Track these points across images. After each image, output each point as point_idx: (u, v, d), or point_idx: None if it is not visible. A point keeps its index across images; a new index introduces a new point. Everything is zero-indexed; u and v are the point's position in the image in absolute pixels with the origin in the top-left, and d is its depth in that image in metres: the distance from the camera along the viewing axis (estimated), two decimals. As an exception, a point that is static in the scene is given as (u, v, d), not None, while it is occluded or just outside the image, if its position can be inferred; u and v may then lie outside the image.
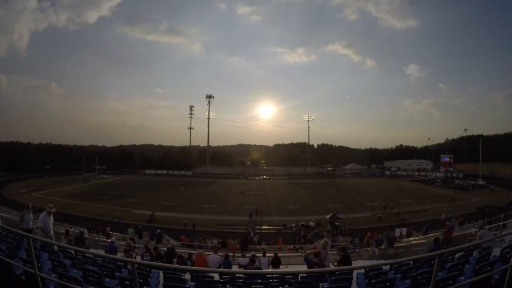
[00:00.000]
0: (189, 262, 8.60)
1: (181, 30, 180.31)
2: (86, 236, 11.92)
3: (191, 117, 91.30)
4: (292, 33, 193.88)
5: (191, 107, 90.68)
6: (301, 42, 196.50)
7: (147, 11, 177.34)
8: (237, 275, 4.95)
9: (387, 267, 5.34)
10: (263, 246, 16.68)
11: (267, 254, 10.45)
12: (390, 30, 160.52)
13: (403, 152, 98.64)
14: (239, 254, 11.52)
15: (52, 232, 7.01)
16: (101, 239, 15.22)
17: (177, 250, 11.50)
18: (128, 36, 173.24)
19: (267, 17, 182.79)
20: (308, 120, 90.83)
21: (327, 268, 5.11)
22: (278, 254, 10.64)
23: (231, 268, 8.15)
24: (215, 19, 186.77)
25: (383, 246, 13.80)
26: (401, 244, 14.14)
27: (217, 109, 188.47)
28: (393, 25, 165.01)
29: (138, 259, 7.52)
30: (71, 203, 34.38)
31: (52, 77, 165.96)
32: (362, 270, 5.00)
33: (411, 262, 5.18)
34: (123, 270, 5.14)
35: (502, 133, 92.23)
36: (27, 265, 3.68)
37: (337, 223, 26.00)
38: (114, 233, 18.74)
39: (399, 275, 4.69)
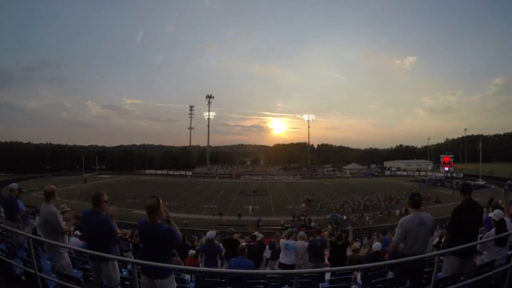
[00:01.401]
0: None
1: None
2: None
3: (191, 117, 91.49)
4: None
5: (191, 107, 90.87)
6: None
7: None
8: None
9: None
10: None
11: None
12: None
13: (403, 152, 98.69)
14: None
15: None
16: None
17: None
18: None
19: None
20: (308, 120, 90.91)
21: (326, 268, 5.11)
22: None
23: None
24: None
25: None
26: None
27: (218, 109, 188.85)
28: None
29: None
30: (71, 203, 34.35)
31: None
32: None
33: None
34: (123, 270, 5.14)
35: (502, 133, 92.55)
36: (27, 265, 3.68)
37: (336, 223, 26.03)
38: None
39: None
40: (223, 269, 4.17)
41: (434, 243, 6.62)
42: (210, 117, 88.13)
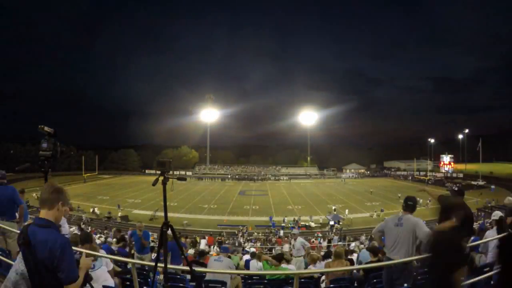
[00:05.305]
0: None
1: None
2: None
3: (191, 117, 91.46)
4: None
5: (191, 107, 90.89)
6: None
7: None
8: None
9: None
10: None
11: None
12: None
13: (403, 152, 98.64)
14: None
15: None
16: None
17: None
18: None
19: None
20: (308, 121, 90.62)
21: (324, 269, 5.09)
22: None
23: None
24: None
25: None
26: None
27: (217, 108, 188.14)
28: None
29: None
30: (71, 203, 34.33)
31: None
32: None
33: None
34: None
35: (502, 133, 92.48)
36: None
37: (337, 224, 26.04)
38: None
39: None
40: (223, 270, 4.18)
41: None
42: (210, 117, 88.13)
